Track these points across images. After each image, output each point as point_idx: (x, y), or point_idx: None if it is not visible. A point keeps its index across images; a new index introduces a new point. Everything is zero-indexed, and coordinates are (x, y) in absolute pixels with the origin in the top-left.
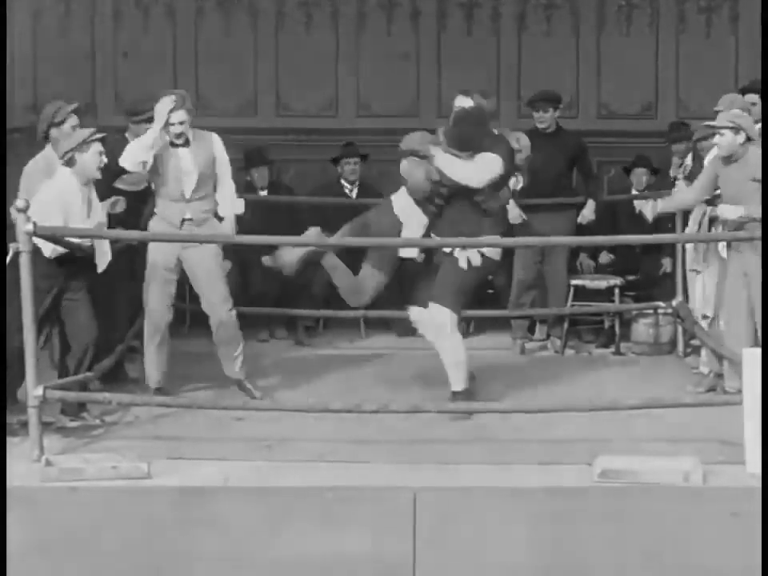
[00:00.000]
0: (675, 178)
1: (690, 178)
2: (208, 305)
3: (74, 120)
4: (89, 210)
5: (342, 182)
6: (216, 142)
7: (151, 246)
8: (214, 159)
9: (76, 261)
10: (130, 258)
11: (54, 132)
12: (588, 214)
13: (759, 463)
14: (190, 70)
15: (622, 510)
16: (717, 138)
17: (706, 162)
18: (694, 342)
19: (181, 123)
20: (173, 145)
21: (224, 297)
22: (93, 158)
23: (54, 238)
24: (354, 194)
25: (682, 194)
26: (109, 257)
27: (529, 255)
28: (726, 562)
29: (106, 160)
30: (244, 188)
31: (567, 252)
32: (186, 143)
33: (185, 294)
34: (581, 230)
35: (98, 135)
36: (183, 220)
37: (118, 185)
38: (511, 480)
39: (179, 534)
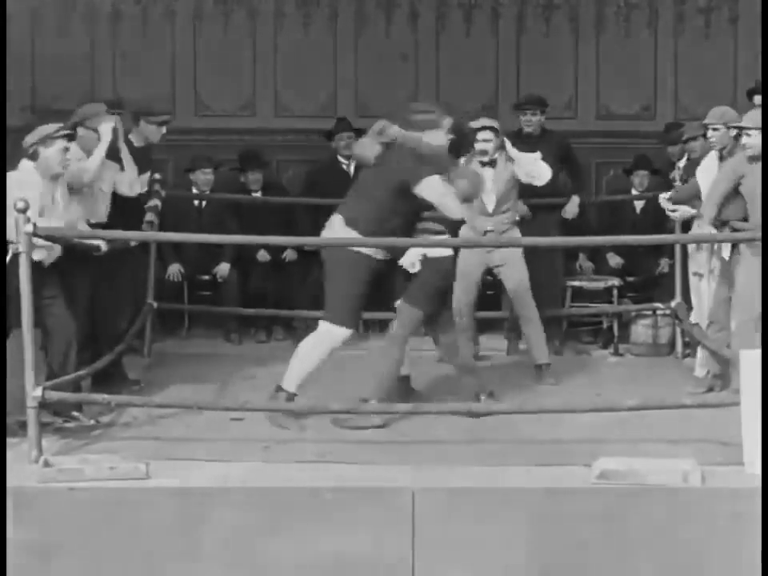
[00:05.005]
0: (674, 179)
1: (685, 179)
2: None
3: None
4: (51, 208)
5: (339, 158)
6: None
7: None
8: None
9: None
10: (129, 259)
11: (80, 130)
12: (571, 209)
13: (759, 464)
14: (189, 71)
15: (621, 510)
16: (744, 139)
17: (707, 160)
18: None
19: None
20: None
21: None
22: (56, 155)
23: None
24: (351, 169)
25: (708, 207)
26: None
27: None
28: (724, 562)
29: (70, 158)
30: (238, 189)
31: (562, 254)
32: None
33: (184, 296)
34: (577, 231)
35: (63, 132)
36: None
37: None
38: (510, 481)
39: (178, 534)
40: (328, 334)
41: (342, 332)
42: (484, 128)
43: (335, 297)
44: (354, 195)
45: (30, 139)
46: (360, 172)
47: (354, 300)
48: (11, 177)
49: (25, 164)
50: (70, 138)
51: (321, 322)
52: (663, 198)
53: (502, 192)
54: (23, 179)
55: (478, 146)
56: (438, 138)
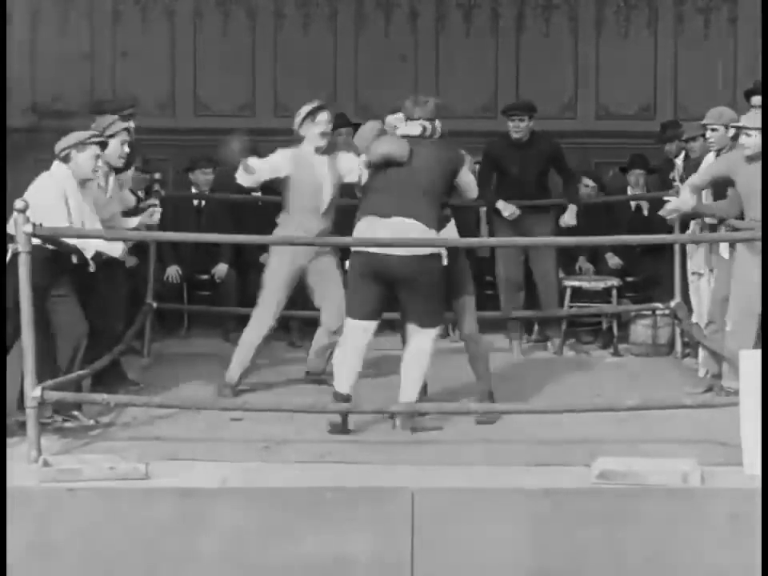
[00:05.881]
0: (673, 179)
1: (685, 178)
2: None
3: (124, 135)
4: (80, 214)
5: None
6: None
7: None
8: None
9: (61, 257)
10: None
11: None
12: (569, 218)
13: (758, 464)
14: (189, 71)
15: (621, 511)
16: (743, 139)
17: (704, 163)
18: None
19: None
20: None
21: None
22: (88, 160)
23: (51, 239)
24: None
25: (690, 182)
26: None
27: (511, 255)
28: (724, 563)
29: (101, 164)
30: (237, 189)
31: (555, 253)
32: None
33: (183, 296)
34: (573, 232)
35: (97, 138)
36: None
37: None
38: (510, 481)
39: (177, 535)
40: (431, 339)
41: (437, 331)
42: None
43: (433, 303)
44: (404, 194)
45: (63, 143)
46: (389, 169)
47: (442, 299)
48: (48, 181)
49: (58, 167)
50: (103, 145)
51: (423, 332)
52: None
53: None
54: (63, 182)
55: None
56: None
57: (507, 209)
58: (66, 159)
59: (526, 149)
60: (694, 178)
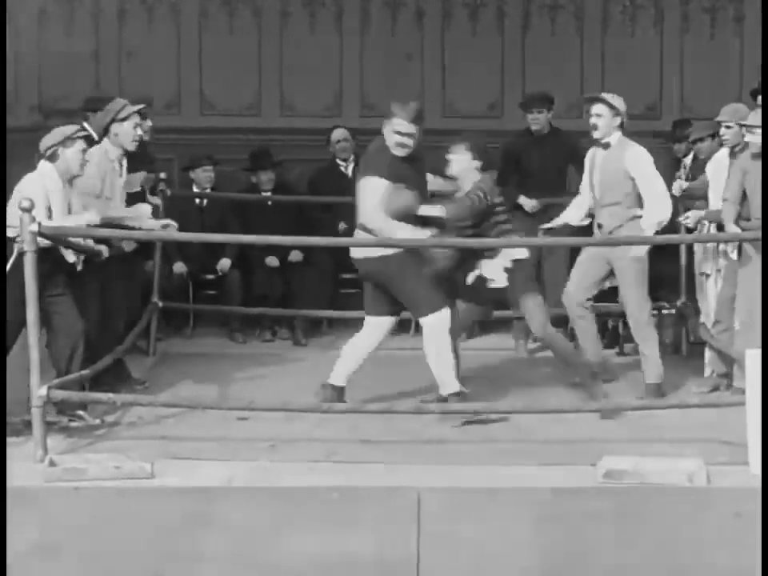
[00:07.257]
0: (680, 178)
1: (692, 178)
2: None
3: (136, 118)
4: (69, 212)
5: (337, 160)
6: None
7: None
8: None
9: (54, 257)
10: (126, 263)
11: (114, 127)
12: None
13: (759, 464)
14: (194, 70)
15: (626, 510)
16: (748, 137)
17: (713, 162)
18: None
19: None
20: None
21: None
22: (75, 155)
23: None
24: (349, 171)
25: (727, 209)
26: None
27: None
28: (729, 562)
29: (88, 159)
30: (249, 189)
31: (566, 252)
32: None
33: (188, 294)
34: (580, 231)
35: (83, 133)
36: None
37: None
38: (515, 480)
39: (182, 534)
40: (430, 325)
41: (444, 313)
42: (595, 100)
43: (412, 294)
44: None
45: (48, 141)
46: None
47: (427, 285)
48: (33, 179)
49: (44, 165)
50: (89, 140)
51: (422, 321)
52: (677, 187)
53: (607, 180)
54: (47, 181)
55: (591, 120)
56: None
57: (528, 203)
58: (52, 157)
59: (546, 144)
60: (729, 195)
